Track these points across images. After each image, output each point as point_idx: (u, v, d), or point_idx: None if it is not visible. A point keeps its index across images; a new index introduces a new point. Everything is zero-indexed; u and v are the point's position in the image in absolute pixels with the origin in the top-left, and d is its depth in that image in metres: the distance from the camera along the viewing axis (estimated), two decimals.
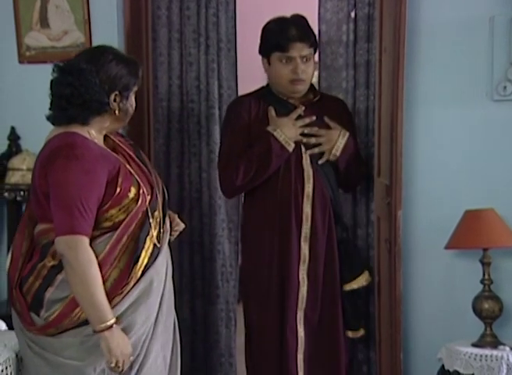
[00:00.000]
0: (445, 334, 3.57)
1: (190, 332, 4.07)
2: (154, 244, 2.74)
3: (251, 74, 4.48)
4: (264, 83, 3.71)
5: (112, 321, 2.59)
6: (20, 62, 3.98)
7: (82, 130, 2.69)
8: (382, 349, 3.68)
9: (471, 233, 3.45)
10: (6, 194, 3.86)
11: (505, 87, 3.55)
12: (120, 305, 2.65)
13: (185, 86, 4.07)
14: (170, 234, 2.89)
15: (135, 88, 2.80)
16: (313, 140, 3.55)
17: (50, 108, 2.72)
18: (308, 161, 3.55)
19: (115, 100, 2.72)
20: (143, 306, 2.69)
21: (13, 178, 3.87)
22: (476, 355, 3.33)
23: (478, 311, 3.46)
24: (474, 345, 3.40)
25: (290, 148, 3.52)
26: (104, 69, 2.69)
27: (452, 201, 3.60)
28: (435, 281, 3.67)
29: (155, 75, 4.03)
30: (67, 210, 2.57)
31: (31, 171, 2.77)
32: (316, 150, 3.56)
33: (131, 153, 2.84)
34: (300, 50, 3.47)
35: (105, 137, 2.82)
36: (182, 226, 3.02)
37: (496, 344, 3.39)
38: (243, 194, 3.73)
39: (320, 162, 3.57)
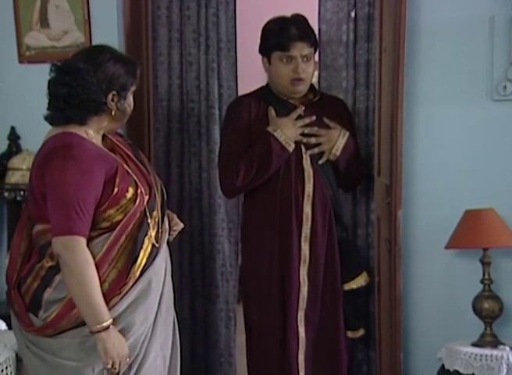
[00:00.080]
0: (445, 334, 3.57)
1: (189, 332, 4.08)
2: (153, 244, 2.74)
3: (251, 74, 4.48)
4: (264, 83, 3.71)
5: (109, 322, 2.58)
6: (20, 61, 3.98)
7: (79, 130, 2.68)
8: (382, 349, 3.68)
9: (471, 233, 3.45)
10: (6, 194, 3.86)
11: (505, 87, 3.55)
12: (119, 306, 2.64)
13: (185, 86, 4.07)
14: (169, 234, 2.88)
15: (133, 88, 2.79)
16: (313, 140, 3.55)
17: (48, 108, 2.71)
18: (308, 161, 3.55)
19: (112, 100, 2.71)
20: (141, 306, 2.68)
21: (13, 178, 3.87)
22: (476, 354, 3.33)
23: (478, 311, 3.46)
24: (474, 345, 3.40)
25: (291, 148, 3.52)
26: (101, 69, 2.68)
27: (452, 201, 3.59)
28: (435, 281, 3.66)
29: (155, 75, 4.03)
30: (64, 211, 2.56)
31: None
32: (316, 150, 3.56)
33: (129, 153, 2.83)
34: (300, 49, 3.48)
35: (104, 136, 2.81)
36: (181, 225, 3.01)
37: (495, 343, 3.39)
38: (242, 194, 3.73)
39: (320, 162, 3.57)
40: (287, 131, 3.51)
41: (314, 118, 3.56)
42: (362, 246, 3.88)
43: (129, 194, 2.68)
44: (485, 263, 3.45)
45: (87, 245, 2.59)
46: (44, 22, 3.93)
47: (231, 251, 4.13)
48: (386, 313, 3.58)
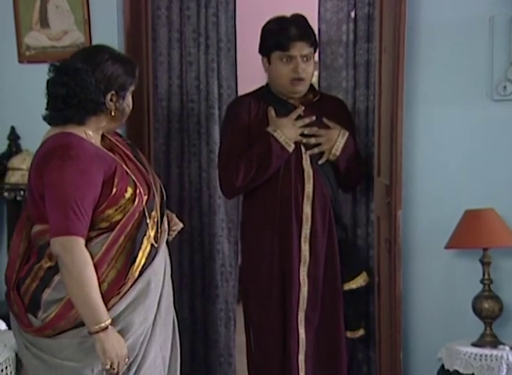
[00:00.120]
0: (445, 334, 3.57)
1: (189, 332, 4.08)
2: (152, 245, 2.73)
3: (251, 74, 4.48)
4: (264, 82, 3.71)
5: (108, 322, 2.57)
6: (20, 61, 3.98)
7: (78, 131, 2.67)
8: (382, 349, 3.68)
9: (471, 233, 3.45)
10: (6, 194, 3.86)
11: (505, 87, 3.55)
12: (118, 306, 2.63)
13: (185, 86, 4.07)
14: (168, 234, 2.88)
15: (132, 88, 2.78)
16: (313, 140, 3.55)
17: (46, 108, 2.71)
18: (308, 161, 3.55)
19: (111, 100, 2.70)
20: (141, 307, 2.67)
21: (13, 178, 3.87)
22: (476, 354, 3.33)
23: (477, 311, 3.46)
24: (474, 345, 3.40)
25: (290, 148, 3.52)
26: (99, 69, 2.67)
27: (452, 201, 3.59)
28: (435, 281, 3.66)
29: (155, 75, 4.03)
30: (62, 211, 2.55)
31: None
32: (316, 150, 3.56)
33: (128, 153, 2.83)
34: (300, 49, 3.48)
35: (103, 136, 2.80)
36: (180, 225, 3.00)
37: (495, 343, 3.39)
38: (242, 194, 3.73)
39: (320, 162, 3.57)
40: (287, 131, 3.51)
41: (313, 118, 3.56)
42: (362, 246, 3.88)
43: (128, 194, 2.68)
44: (485, 263, 3.45)
45: (86, 246, 2.59)
46: (44, 22, 3.93)
47: (231, 251, 4.13)
48: (386, 313, 3.58)
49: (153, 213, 2.75)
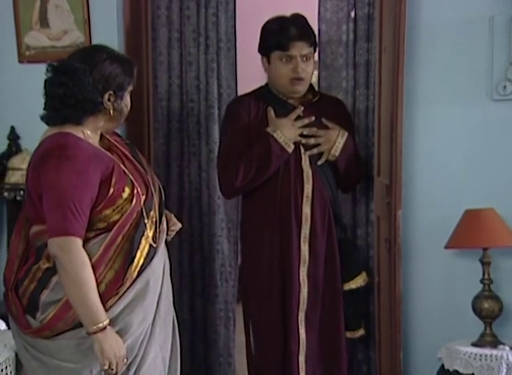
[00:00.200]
0: (445, 334, 3.57)
1: (189, 332, 4.08)
2: (150, 245, 2.72)
3: (251, 74, 4.48)
4: (263, 82, 3.70)
5: (106, 323, 2.57)
6: (20, 61, 3.98)
7: (76, 131, 2.67)
8: (382, 349, 3.68)
9: (470, 232, 3.45)
10: (6, 194, 3.85)
11: (505, 87, 3.55)
12: (116, 307, 2.63)
13: (185, 85, 4.07)
14: (167, 234, 2.87)
15: (130, 88, 2.77)
16: (312, 140, 3.55)
17: (44, 108, 2.70)
18: (307, 162, 3.55)
19: (109, 99, 2.69)
20: (139, 307, 2.66)
21: (13, 178, 3.87)
22: (476, 354, 3.33)
23: (477, 310, 3.46)
24: (474, 345, 3.40)
25: (290, 149, 3.51)
26: (97, 69, 2.66)
27: (452, 201, 3.59)
28: (435, 281, 3.66)
29: (155, 74, 4.03)
30: (60, 211, 2.54)
31: None
32: (315, 150, 3.55)
33: (127, 152, 2.82)
34: (300, 49, 3.47)
35: (101, 136, 2.79)
36: (178, 225, 2.99)
37: (495, 343, 3.39)
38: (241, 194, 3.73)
39: (319, 162, 3.56)
40: (286, 132, 3.51)
41: (313, 118, 3.56)
42: (362, 246, 3.89)
43: (126, 194, 2.67)
44: (485, 263, 3.45)
45: (84, 246, 2.58)
46: (43, 22, 3.93)
47: (230, 251, 4.13)
48: (386, 313, 3.58)
49: (151, 213, 2.74)
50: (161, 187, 2.88)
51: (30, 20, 3.93)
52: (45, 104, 2.69)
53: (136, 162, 2.81)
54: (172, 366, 2.86)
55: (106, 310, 2.59)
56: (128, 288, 2.65)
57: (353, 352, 3.86)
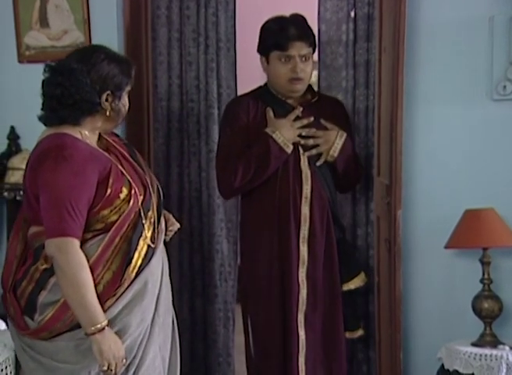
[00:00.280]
0: (445, 334, 3.57)
1: (189, 332, 4.07)
2: (148, 245, 2.71)
3: (250, 74, 4.47)
4: (263, 82, 3.70)
5: (104, 323, 2.56)
6: (20, 61, 3.98)
7: (73, 131, 2.66)
8: (382, 349, 3.68)
9: (470, 232, 3.45)
10: (6, 194, 3.85)
11: (505, 87, 3.55)
12: (114, 307, 2.62)
13: (184, 85, 4.07)
14: (165, 234, 2.86)
15: (128, 88, 2.76)
16: (311, 141, 3.55)
17: (42, 109, 2.69)
18: (306, 162, 3.54)
19: (107, 100, 2.69)
20: (137, 308, 2.66)
21: (13, 177, 3.86)
22: (476, 354, 3.33)
23: (477, 310, 3.46)
24: (474, 345, 3.40)
25: (289, 149, 3.51)
26: (95, 69, 2.65)
27: (452, 201, 3.59)
28: (435, 281, 3.66)
29: (155, 74, 4.03)
30: (57, 212, 2.54)
31: None
32: (314, 151, 3.55)
33: (125, 153, 2.81)
34: (299, 49, 3.47)
35: (99, 136, 2.78)
36: (177, 225, 2.98)
37: (495, 343, 3.39)
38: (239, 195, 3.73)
39: (318, 163, 3.56)
40: (285, 133, 3.50)
41: (312, 119, 3.55)
42: (362, 246, 3.88)
43: (123, 195, 2.66)
44: (485, 263, 3.45)
45: (82, 247, 2.57)
46: (43, 21, 3.93)
47: (230, 251, 4.13)
48: (386, 313, 3.58)
49: (149, 213, 2.73)
50: (159, 187, 2.86)
51: (29, 20, 3.93)
52: (43, 104, 2.68)
53: (134, 163, 2.80)
54: (172, 366, 2.86)
55: (104, 311, 2.58)
56: (126, 289, 2.64)
57: (353, 352, 3.86)
